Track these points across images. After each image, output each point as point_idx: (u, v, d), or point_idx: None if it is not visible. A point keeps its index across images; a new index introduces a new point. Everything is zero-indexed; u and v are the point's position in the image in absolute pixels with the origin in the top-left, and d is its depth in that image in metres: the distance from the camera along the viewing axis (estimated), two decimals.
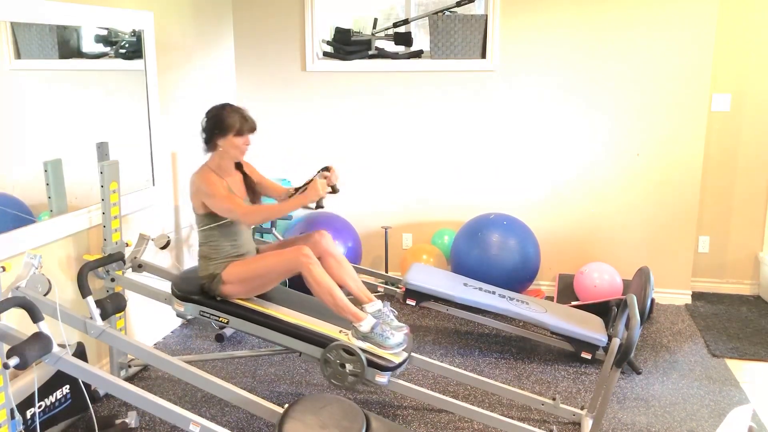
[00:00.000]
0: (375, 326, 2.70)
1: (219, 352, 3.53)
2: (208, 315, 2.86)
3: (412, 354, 2.88)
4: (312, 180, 2.83)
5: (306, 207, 2.90)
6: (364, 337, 2.70)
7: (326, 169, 2.91)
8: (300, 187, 2.90)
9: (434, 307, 3.58)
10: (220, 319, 2.85)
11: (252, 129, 2.86)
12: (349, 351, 2.65)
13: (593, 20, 4.04)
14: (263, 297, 2.94)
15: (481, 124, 4.29)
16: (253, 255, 2.98)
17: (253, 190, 3.03)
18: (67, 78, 3.03)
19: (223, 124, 2.80)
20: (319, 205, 2.90)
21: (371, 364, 2.64)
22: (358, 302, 2.85)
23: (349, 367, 2.65)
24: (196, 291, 2.90)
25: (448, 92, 4.29)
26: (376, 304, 2.83)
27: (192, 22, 3.92)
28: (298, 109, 4.49)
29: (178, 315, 2.94)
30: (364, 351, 2.66)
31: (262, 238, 3.99)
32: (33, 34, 2.78)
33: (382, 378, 2.65)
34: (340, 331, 2.77)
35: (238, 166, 3.01)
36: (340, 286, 2.82)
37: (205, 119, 2.86)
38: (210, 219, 2.85)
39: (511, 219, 4.08)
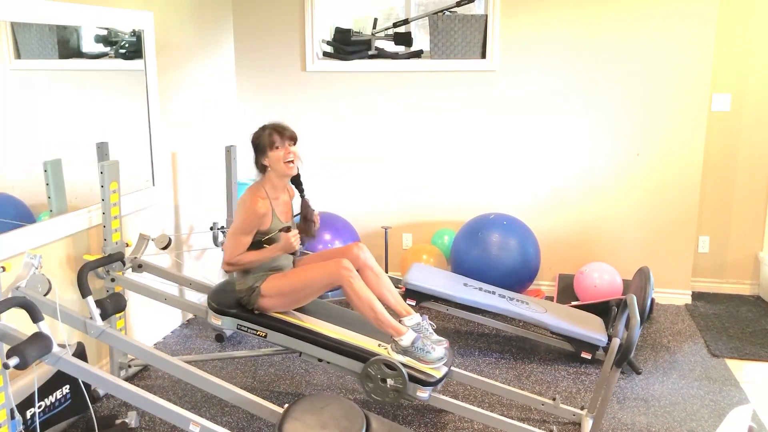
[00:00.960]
0: (416, 340, 2.68)
1: (219, 352, 3.53)
2: (245, 329, 2.83)
3: (452, 368, 2.85)
4: (288, 229, 2.79)
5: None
6: (405, 352, 2.68)
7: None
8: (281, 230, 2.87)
9: (434, 307, 3.58)
10: (258, 332, 2.82)
11: (290, 138, 2.79)
12: (391, 366, 2.62)
13: (593, 20, 4.04)
14: (300, 310, 2.91)
15: (481, 124, 4.29)
16: (290, 268, 2.95)
17: (304, 216, 2.96)
18: (67, 78, 3.03)
19: (258, 143, 2.79)
20: (310, 235, 2.93)
21: (412, 378, 2.61)
22: (395, 315, 2.82)
23: (390, 382, 2.62)
24: (233, 304, 2.87)
25: (448, 92, 4.29)
26: (414, 317, 2.80)
27: (192, 22, 3.92)
28: (298, 110, 4.49)
29: (215, 329, 2.91)
30: (405, 366, 2.63)
31: None
32: (33, 34, 2.78)
33: (423, 393, 2.62)
34: (379, 345, 2.75)
35: (297, 185, 2.95)
36: (378, 299, 2.80)
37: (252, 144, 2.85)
38: (255, 239, 2.81)
39: (511, 219, 4.08)
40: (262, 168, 2.84)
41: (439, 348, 2.71)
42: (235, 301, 2.88)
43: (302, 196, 2.97)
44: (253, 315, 2.83)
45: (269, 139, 2.77)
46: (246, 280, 2.84)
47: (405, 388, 2.60)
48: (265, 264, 2.84)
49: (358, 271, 2.81)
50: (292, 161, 2.80)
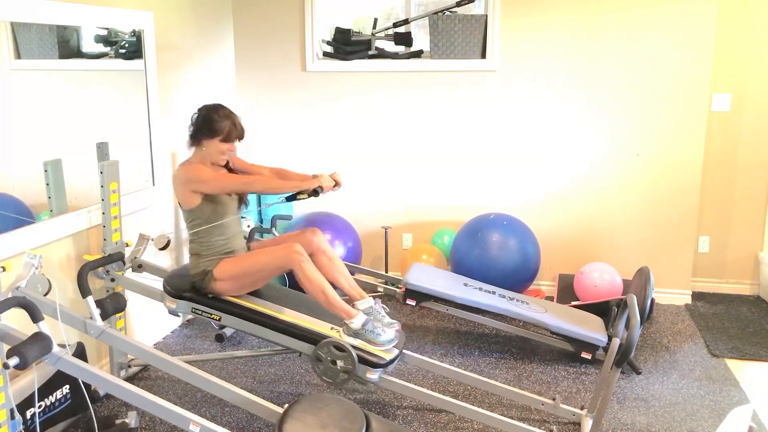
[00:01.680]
0: (366, 323, 2.72)
1: (219, 352, 3.53)
2: (200, 312, 2.87)
3: (405, 351, 2.89)
4: (320, 175, 2.80)
5: (300, 194, 2.79)
6: (356, 334, 2.72)
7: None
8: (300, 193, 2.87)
9: (434, 307, 3.58)
10: (212, 316, 2.85)
11: (240, 137, 2.87)
12: (340, 348, 2.66)
13: (593, 20, 4.04)
14: (255, 294, 2.94)
15: (481, 124, 4.29)
16: (244, 252, 2.99)
17: (241, 169, 3.06)
18: (67, 78, 3.03)
19: (212, 126, 2.81)
20: (312, 194, 2.83)
21: (362, 360, 2.65)
22: (349, 299, 2.87)
23: (340, 363, 2.66)
24: (189, 288, 2.91)
25: (448, 92, 4.29)
26: (367, 301, 2.84)
27: (192, 22, 3.92)
28: (298, 110, 4.49)
29: (170, 312, 2.94)
30: (355, 348, 2.66)
31: (262, 238, 3.99)
32: (33, 34, 2.78)
33: (372, 375, 2.66)
34: (332, 328, 2.79)
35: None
36: (332, 284, 2.84)
37: (197, 115, 2.86)
38: (198, 213, 2.86)
39: (511, 219, 4.08)
40: (197, 143, 2.86)
41: (389, 330, 2.75)
42: (190, 285, 2.91)
43: (228, 169, 3.02)
44: (207, 299, 2.86)
45: (227, 132, 2.81)
46: (199, 264, 2.88)
47: (354, 370, 2.64)
48: (218, 248, 2.88)
49: (311, 255, 2.86)
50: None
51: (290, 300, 2.97)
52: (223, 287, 2.85)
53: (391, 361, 2.70)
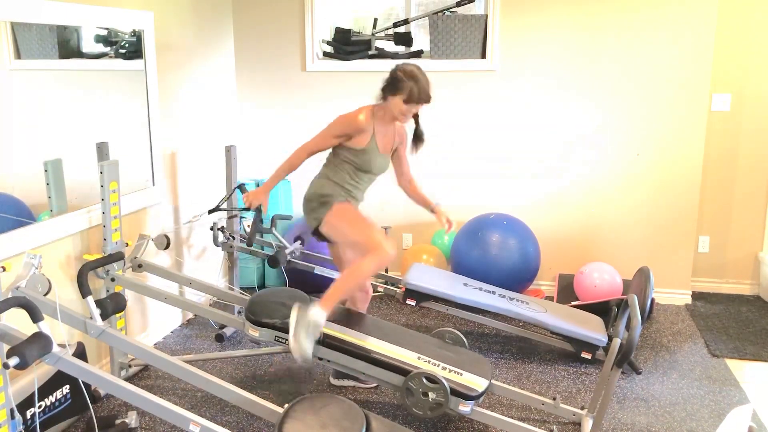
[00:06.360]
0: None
1: (219, 352, 3.53)
2: (284, 340, 2.82)
3: (493, 382, 2.84)
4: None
5: None
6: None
7: None
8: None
9: (434, 307, 3.58)
10: None
11: (424, 100, 2.86)
12: (432, 379, 2.62)
13: (593, 20, 4.04)
14: (340, 322, 2.90)
15: (480, 124, 4.29)
16: (359, 202, 3.10)
17: (398, 156, 3.16)
18: (67, 78, 3.03)
19: (400, 86, 2.83)
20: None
21: (454, 392, 2.61)
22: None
23: (432, 395, 2.61)
24: (270, 315, 2.86)
25: (448, 92, 4.29)
26: None
27: (192, 22, 3.92)
28: (297, 109, 4.49)
29: (253, 341, 2.92)
30: (447, 380, 2.62)
31: (262, 237, 3.99)
32: (33, 34, 2.78)
33: (465, 407, 2.62)
34: (419, 358, 2.75)
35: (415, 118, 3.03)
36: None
37: (392, 71, 2.90)
38: (347, 152, 2.95)
39: (511, 219, 4.08)
40: (383, 98, 2.92)
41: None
42: (308, 197, 2.99)
43: (417, 124, 3.06)
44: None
45: (408, 93, 2.82)
46: (327, 186, 2.97)
47: (447, 402, 2.60)
48: (347, 185, 2.99)
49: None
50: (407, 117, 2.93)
51: (372, 327, 2.92)
52: (328, 225, 2.91)
53: (483, 393, 2.66)
